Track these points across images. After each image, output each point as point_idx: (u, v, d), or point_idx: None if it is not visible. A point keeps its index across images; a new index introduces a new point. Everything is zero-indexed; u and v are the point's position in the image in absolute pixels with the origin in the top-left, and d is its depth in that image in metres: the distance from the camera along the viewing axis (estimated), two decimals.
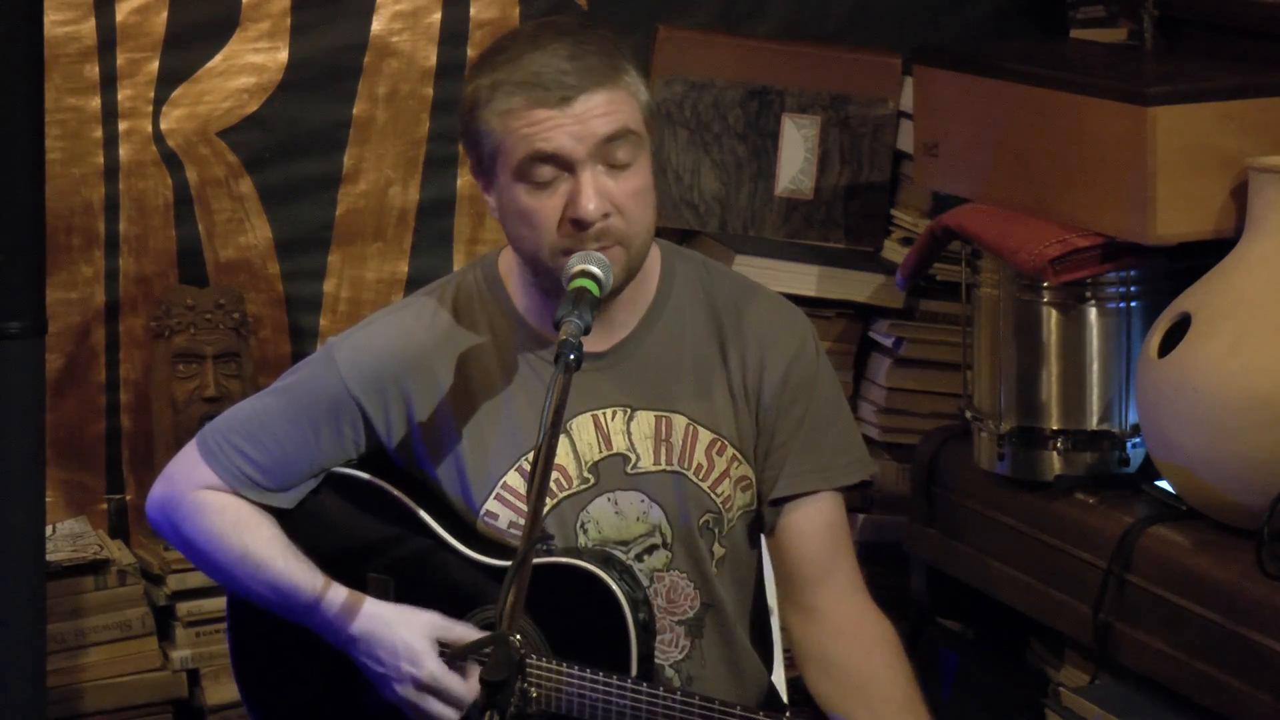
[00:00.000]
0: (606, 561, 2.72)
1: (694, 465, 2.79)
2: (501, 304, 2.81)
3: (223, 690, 3.80)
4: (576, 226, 2.62)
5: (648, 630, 2.69)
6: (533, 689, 2.64)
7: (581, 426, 2.78)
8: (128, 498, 4.05)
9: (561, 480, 2.77)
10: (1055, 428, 3.47)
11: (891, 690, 2.71)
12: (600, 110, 2.62)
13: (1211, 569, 3.11)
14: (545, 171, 2.63)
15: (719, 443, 2.80)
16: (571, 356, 2.50)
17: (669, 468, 2.79)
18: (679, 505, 2.78)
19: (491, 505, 2.79)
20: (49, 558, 3.61)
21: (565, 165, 2.62)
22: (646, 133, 2.67)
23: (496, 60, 2.66)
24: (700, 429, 2.79)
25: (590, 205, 2.61)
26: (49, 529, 3.74)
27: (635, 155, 2.65)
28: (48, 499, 3.52)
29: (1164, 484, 3.34)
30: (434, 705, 2.71)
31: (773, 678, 2.94)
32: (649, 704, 2.59)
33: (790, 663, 2.97)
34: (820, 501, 2.81)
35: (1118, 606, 3.26)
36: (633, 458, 2.79)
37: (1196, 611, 3.11)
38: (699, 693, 2.62)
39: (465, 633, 2.72)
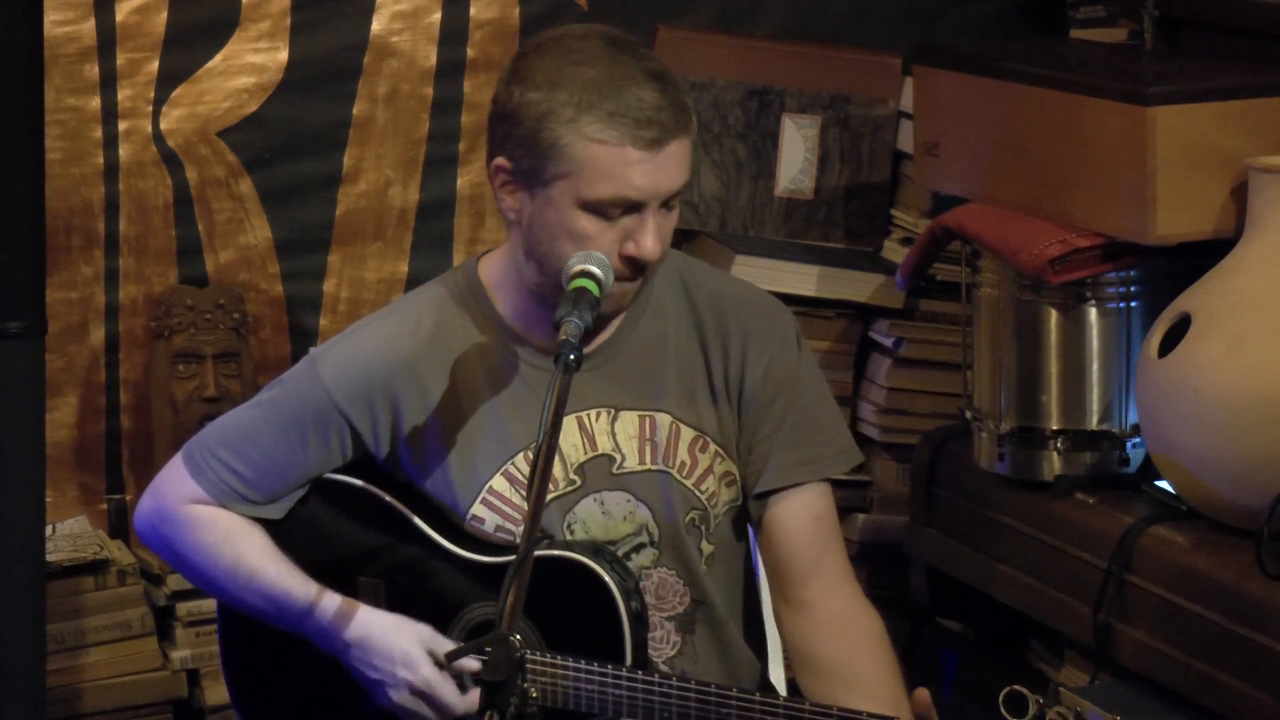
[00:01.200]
0: (597, 552, 2.72)
1: (678, 463, 2.79)
2: (484, 310, 2.80)
3: (222, 690, 3.77)
4: (632, 264, 2.64)
5: (640, 619, 2.70)
6: (532, 688, 2.64)
7: (567, 428, 2.77)
8: (128, 498, 4.05)
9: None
10: (1055, 428, 3.47)
11: (876, 687, 2.72)
12: (677, 160, 2.64)
13: (1211, 569, 3.11)
14: (616, 210, 2.64)
15: (701, 439, 2.80)
16: (571, 356, 2.51)
17: (654, 467, 2.79)
18: (665, 504, 2.79)
19: (478, 510, 2.79)
20: (49, 558, 3.61)
21: (634, 207, 2.64)
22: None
23: (576, 76, 2.63)
24: (683, 427, 2.80)
25: (653, 247, 2.65)
26: (49, 529, 3.74)
27: (680, 197, 2.70)
28: (48, 499, 3.52)
29: (1164, 484, 3.34)
30: (428, 711, 2.71)
31: (771, 676, 2.94)
32: (645, 692, 2.60)
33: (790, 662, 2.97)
34: (807, 494, 2.81)
35: (1118, 606, 3.26)
36: (618, 458, 2.79)
37: (1196, 611, 3.11)
38: (695, 679, 2.63)
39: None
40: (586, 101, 2.62)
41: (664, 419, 2.80)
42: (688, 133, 2.66)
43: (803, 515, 2.81)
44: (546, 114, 2.64)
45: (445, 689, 2.70)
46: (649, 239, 2.64)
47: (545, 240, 2.68)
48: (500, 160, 2.70)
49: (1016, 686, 2.68)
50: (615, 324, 2.80)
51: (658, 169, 2.63)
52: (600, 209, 2.64)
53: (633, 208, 2.64)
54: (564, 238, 2.66)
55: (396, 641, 2.72)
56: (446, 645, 2.73)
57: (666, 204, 2.67)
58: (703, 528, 2.81)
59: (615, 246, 2.65)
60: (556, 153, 2.64)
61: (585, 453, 2.79)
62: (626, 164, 2.62)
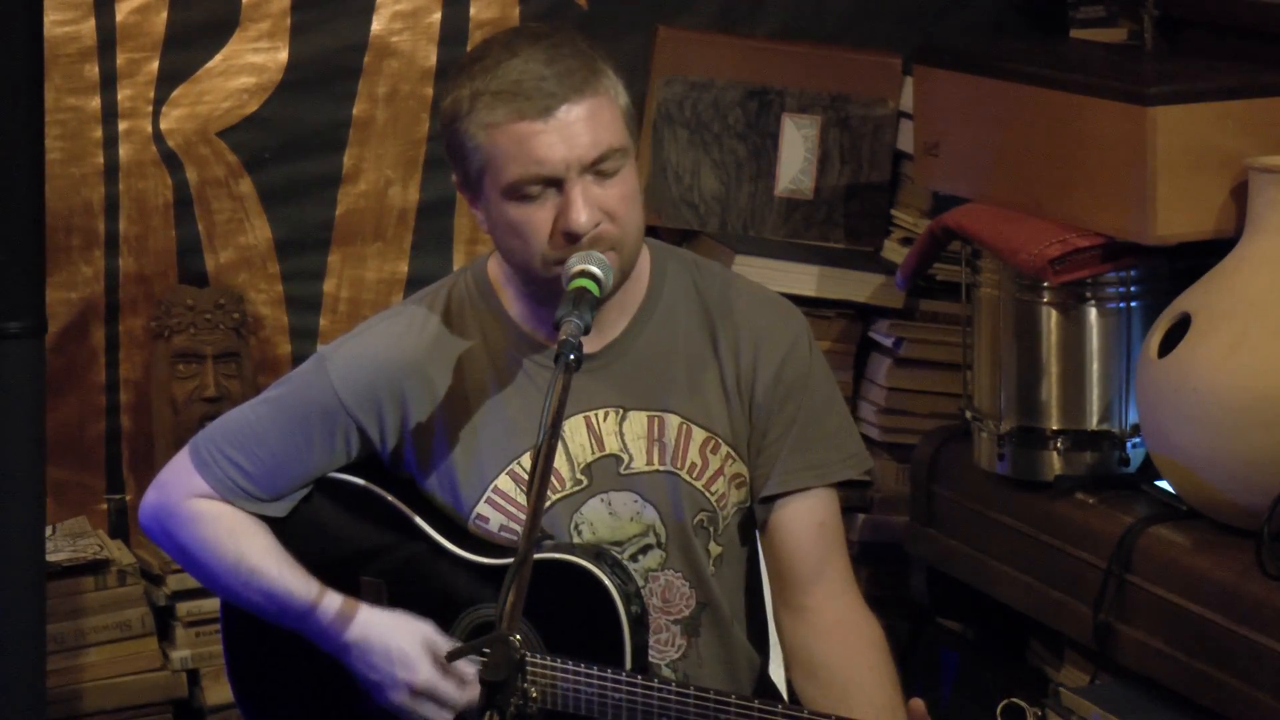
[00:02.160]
0: (598, 556, 2.72)
1: (687, 464, 2.79)
2: (493, 309, 2.80)
3: (223, 690, 3.80)
4: (568, 238, 2.63)
5: (641, 623, 2.70)
6: (532, 689, 2.64)
7: (574, 428, 2.77)
8: (128, 498, 4.05)
9: (555, 482, 2.76)
10: (1055, 428, 3.47)
11: (874, 694, 2.71)
12: (583, 123, 2.61)
13: (1211, 569, 3.11)
14: (534, 188, 2.63)
15: (712, 441, 2.80)
16: (571, 356, 2.50)
17: (662, 467, 2.79)
18: (673, 505, 2.78)
19: (482, 509, 2.79)
20: (49, 558, 3.62)
21: (554, 182, 2.63)
22: (629, 140, 2.67)
23: (473, 69, 2.65)
24: (694, 428, 2.79)
25: (581, 218, 2.61)
26: (49, 529, 3.74)
27: (621, 164, 2.66)
28: (48, 499, 3.52)
29: (1164, 484, 3.34)
30: (428, 710, 2.71)
31: (773, 677, 2.94)
32: (644, 696, 2.60)
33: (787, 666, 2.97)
34: (813, 499, 2.80)
35: (1118, 606, 3.26)
36: (626, 458, 2.79)
37: (1196, 611, 3.11)
38: (695, 684, 2.63)
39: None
40: (477, 89, 2.63)
41: (673, 420, 2.79)
42: (589, 95, 2.62)
43: (807, 521, 2.80)
44: (454, 115, 2.66)
45: (444, 689, 2.70)
46: (574, 210, 2.61)
47: (500, 240, 2.70)
48: (454, 177, 2.73)
49: (1014, 699, 2.68)
50: (624, 324, 2.79)
51: (559, 137, 2.60)
52: (519, 192, 2.63)
53: (552, 183, 2.63)
54: (507, 233, 2.67)
55: (395, 642, 2.72)
56: (448, 643, 2.73)
57: (599, 171, 2.64)
58: (711, 529, 2.80)
59: (549, 228, 2.63)
60: (468, 151, 2.66)
61: (592, 452, 2.78)
62: (523, 139, 2.61)
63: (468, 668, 2.71)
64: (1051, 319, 3.46)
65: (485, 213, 2.70)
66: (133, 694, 3.85)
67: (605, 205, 2.63)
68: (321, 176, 4.10)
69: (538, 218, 2.63)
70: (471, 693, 2.70)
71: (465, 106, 2.64)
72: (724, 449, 2.80)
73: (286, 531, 2.84)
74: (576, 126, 2.61)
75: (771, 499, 2.80)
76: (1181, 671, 3.13)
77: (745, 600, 2.88)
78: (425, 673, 2.70)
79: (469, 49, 4.09)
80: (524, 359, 2.78)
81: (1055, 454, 3.47)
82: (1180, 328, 3.20)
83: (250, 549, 2.80)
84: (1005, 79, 3.57)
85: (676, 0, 4.22)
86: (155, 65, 3.99)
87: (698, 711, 2.57)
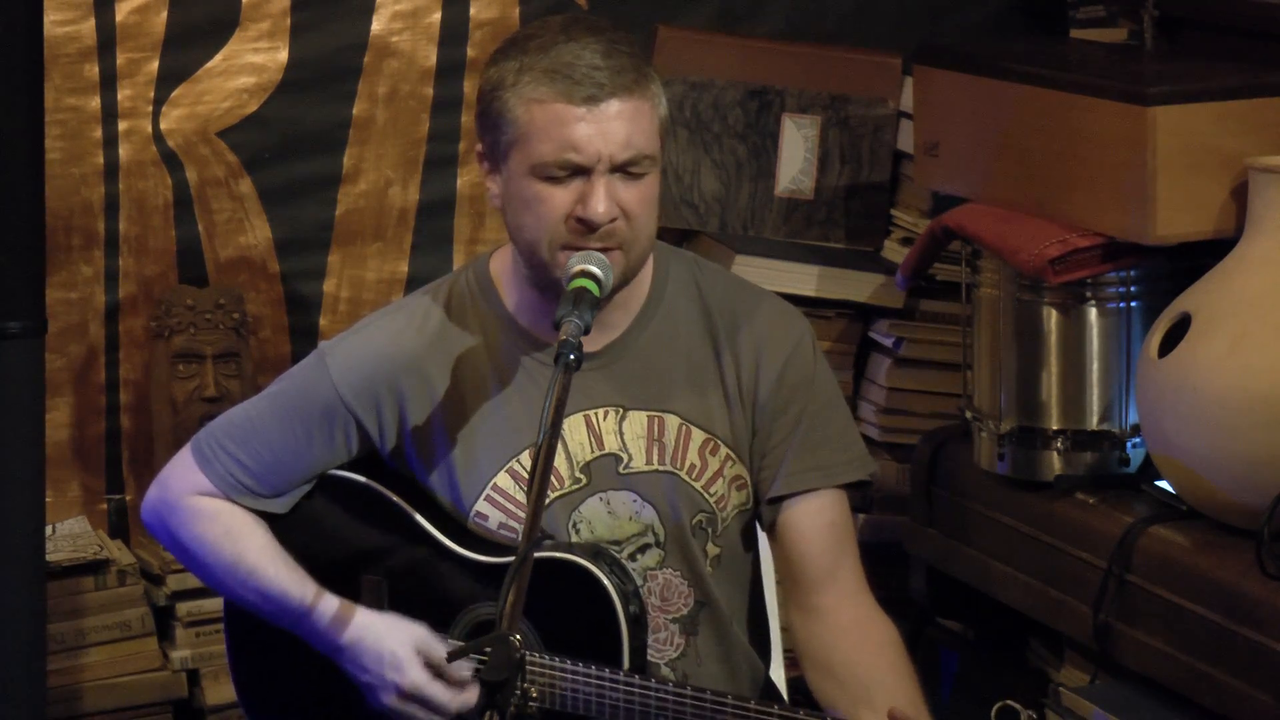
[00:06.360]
0: (596, 555, 2.72)
1: (687, 465, 2.79)
2: (493, 305, 2.81)
3: (222, 690, 3.80)
4: (583, 225, 2.63)
5: (639, 623, 2.70)
6: (532, 689, 2.64)
7: (573, 426, 2.78)
8: (128, 498, 4.05)
9: (554, 481, 2.77)
10: (1055, 428, 3.47)
11: (895, 693, 2.71)
12: (623, 121, 2.63)
13: (1211, 569, 3.11)
14: (561, 171, 2.64)
15: (712, 442, 2.80)
16: (571, 357, 2.51)
17: (661, 468, 2.79)
18: (671, 505, 2.79)
19: (481, 506, 2.79)
20: (49, 558, 3.62)
21: (581, 170, 2.63)
22: (660, 150, 2.69)
23: (527, 45, 2.67)
24: (693, 429, 2.80)
25: (600, 208, 2.63)
26: (49, 529, 3.74)
27: (648, 170, 2.68)
28: (48, 499, 3.53)
29: (1164, 484, 3.34)
30: (419, 712, 2.71)
31: (772, 676, 2.94)
32: (642, 696, 2.60)
33: (791, 663, 2.97)
34: (821, 500, 2.81)
35: (1118, 606, 3.26)
36: (625, 458, 2.79)
37: (1196, 611, 3.10)
38: (692, 685, 2.63)
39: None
40: (527, 64, 2.65)
41: (673, 420, 2.80)
42: (635, 96, 2.64)
43: (817, 521, 2.81)
44: (497, 84, 2.68)
45: (434, 691, 2.71)
46: (594, 200, 2.63)
47: (512, 214, 2.71)
48: (478, 145, 2.73)
49: (1009, 701, 2.68)
50: (626, 323, 2.80)
51: (597, 128, 2.62)
52: (547, 172, 2.64)
53: (580, 171, 2.64)
54: (521, 207, 2.68)
55: (386, 644, 2.73)
56: (442, 646, 2.73)
57: (627, 171, 2.65)
58: (709, 530, 2.81)
59: (566, 210, 2.65)
60: (504, 121, 2.66)
61: (592, 451, 2.79)
62: (563, 121, 2.63)
63: (463, 671, 2.71)
64: (1051, 319, 3.46)
65: (503, 186, 2.71)
66: (132, 694, 3.85)
67: (624, 204, 2.65)
68: (321, 176, 4.10)
69: (557, 198, 2.65)
70: (465, 696, 2.70)
71: (511, 78, 2.65)
72: (723, 450, 2.80)
73: (288, 529, 2.84)
74: (616, 123, 2.63)
75: (779, 500, 2.80)
76: (1181, 671, 3.13)
77: (745, 601, 2.88)
78: (414, 675, 2.70)
79: (469, 49, 4.11)
80: (524, 356, 2.79)
81: (1055, 454, 3.47)
82: (1180, 328, 3.20)
83: (248, 548, 2.81)
84: (1005, 79, 3.57)
85: (676, 0, 4.22)
86: (155, 65, 3.99)
87: (695, 712, 2.58)
